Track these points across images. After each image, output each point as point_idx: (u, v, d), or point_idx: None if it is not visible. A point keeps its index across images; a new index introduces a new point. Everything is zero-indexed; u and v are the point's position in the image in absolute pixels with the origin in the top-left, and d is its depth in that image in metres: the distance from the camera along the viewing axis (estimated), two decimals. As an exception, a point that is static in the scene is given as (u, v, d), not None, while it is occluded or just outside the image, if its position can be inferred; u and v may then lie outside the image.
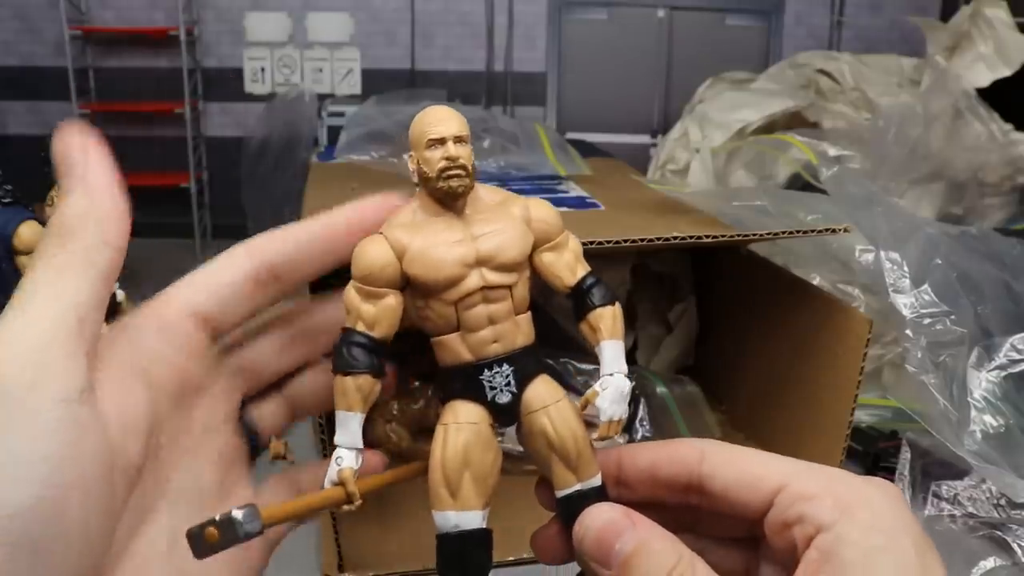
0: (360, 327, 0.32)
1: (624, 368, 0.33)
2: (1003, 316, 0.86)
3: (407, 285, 0.32)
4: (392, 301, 0.32)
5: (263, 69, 4.03)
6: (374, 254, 0.32)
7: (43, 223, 1.12)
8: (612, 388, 0.33)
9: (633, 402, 1.15)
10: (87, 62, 3.92)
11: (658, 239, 0.77)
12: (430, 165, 0.32)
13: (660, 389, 1.17)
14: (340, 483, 0.31)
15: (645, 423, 1.18)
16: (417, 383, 1.07)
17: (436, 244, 0.32)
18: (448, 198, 0.32)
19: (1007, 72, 1.68)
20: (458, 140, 0.32)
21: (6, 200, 1.09)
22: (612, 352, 0.33)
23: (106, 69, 3.96)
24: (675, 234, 0.78)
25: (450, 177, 0.32)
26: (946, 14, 3.38)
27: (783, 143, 1.64)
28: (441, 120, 0.32)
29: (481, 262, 0.32)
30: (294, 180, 2.77)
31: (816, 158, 1.48)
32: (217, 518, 0.26)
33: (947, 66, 1.71)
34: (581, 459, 0.32)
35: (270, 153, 3.23)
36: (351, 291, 0.32)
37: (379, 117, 1.59)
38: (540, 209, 0.34)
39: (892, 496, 0.28)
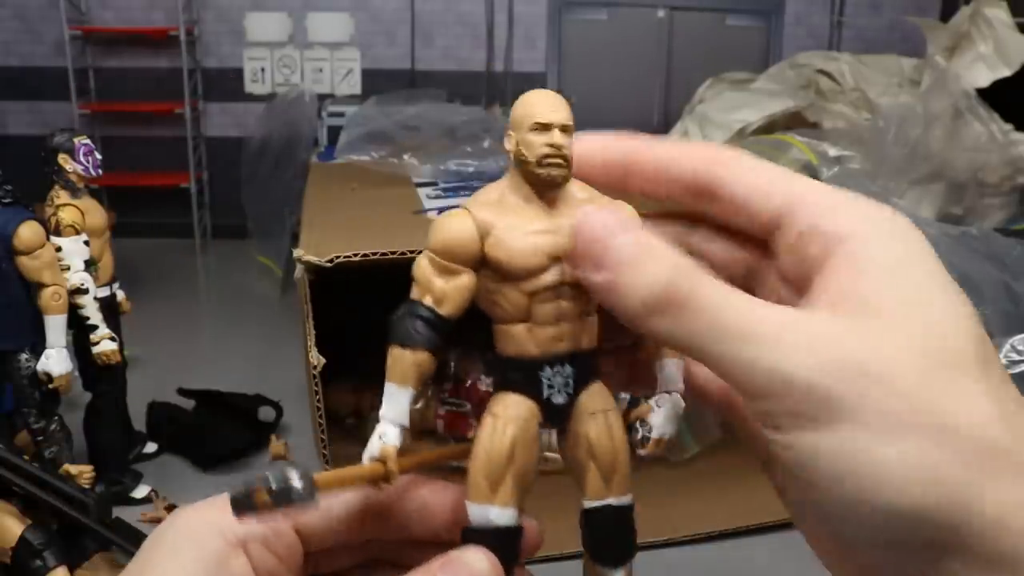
0: (428, 300, 0.30)
1: (681, 387, 0.32)
2: (1003, 317, 0.86)
3: (483, 267, 0.31)
4: (466, 280, 0.30)
5: (263, 69, 4.03)
6: (458, 228, 0.30)
7: (43, 223, 1.12)
8: (669, 406, 0.32)
9: (633, 402, 1.15)
10: (87, 62, 3.91)
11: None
12: (531, 149, 0.30)
13: (660, 389, 1.17)
14: (381, 460, 0.29)
15: (645, 422, 1.17)
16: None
17: (523, 231, 0.30)
18: (544, 186, 0.31)
19: (1007, 72, 1.68)
20: (564, 129, 0.31)
21: (6, 200, 1.08)
22: (673, 369, 0.32)
23: (106, 69, 3.96)
24: (675, 234, 0.78)
25: (551, 165, 0.30)
26: (946, 14, 3.38)
27: (783, 143, 1.64)
28: (550, 106, 0.31)
29: (563, 257, 0.31)
30: (294, 180, 2.76)
31: (816, 158, 1.48)
32: (272, 484, 0.25)
33: (947, 66, 1.71)
34: (617, 474, 0.31)
35: (270, 153, 3.23)
36: (424, 262, 0.31)
37: (379, 117, 1.59)
38: (624, 211, 0.32)
39: (908, 221, 0.27)
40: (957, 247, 0.91)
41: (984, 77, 1.67)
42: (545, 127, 0.30)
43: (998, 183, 1.64)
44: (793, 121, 1.93)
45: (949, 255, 0.90)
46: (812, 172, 1.49)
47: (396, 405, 0.30)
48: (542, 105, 0.31)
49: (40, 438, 1.06)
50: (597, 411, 0.32)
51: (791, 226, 0.28)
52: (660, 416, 0.32)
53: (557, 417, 0.32)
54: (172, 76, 3.82)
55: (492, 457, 0.30)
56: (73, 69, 3.68)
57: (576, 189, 0.32)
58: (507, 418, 0.31)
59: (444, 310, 0.30)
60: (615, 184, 0.32)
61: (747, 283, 0.31)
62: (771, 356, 0.24)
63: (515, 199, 0.31)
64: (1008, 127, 1.61)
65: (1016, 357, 0.83)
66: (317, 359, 0.69)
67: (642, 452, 0.32)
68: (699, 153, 0.31)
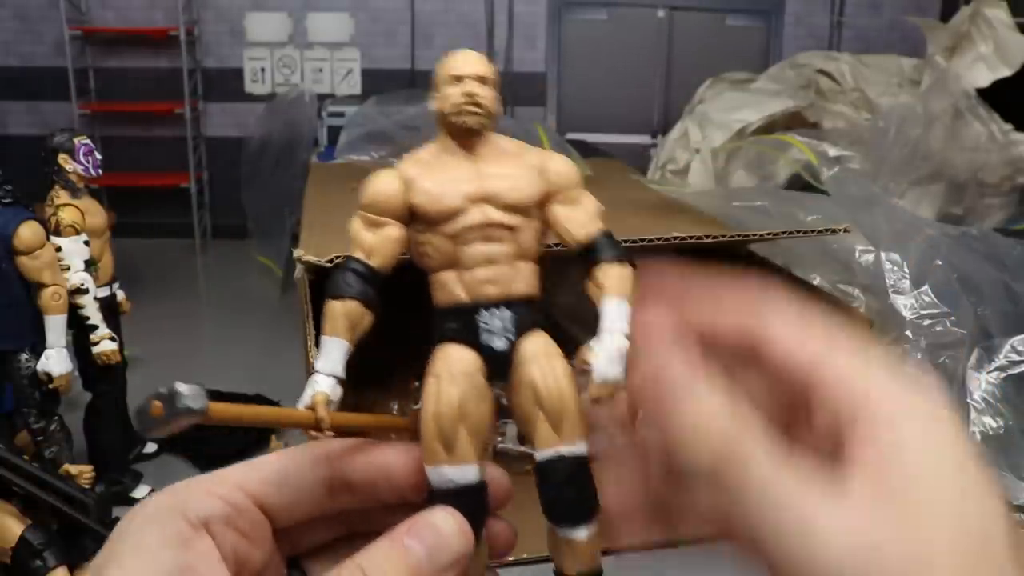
0: (358, 254, 0.31)
1: (625, 328, 0.31)
2: (1003, 317, 0.86)
3: (412, 219, 0.32)
4: (393, 232, 0.32)
5: (263, 69, 4.03)
6: (382, 183, 0.32)
7: (43, 223, 1.12)
8: (607, 345, 0.31)
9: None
10: (87, 62, 3.92)
11: (658, 239, 0.77)
12: (447, 101, 0.32)
13: (660, 389, 1.17)
14: (312, 407, 0.30)
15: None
16: (417, 383, 1.08)
17: (444, 178, 0.32)
18: (462, 135, 0.32)
19: (1007, 72, 1.68)
20: (479, 79, 0.32)
21: (6, 200, 1.09)
22: (613, 309, 0.31)
23: (106, 69, 3.96)
24: (675, 234, 0.78)
25: (465, 112, 0.32)
26: (946, 14, 3.38)
27: (783, 143, 1.64)
28: (464, 60, 0.32)
29: (485, 199, 0.32)
30: (294, 180, 2.77)
31: (816, 158, 1.48)
32: (163, 390, 0.26)
33: (947, 66, 1.71)
34: (566, 418, 0.31)
35: (270, 153, 3.23)
36: (355, 220, 0.32)
37: (379, 117, 1.59)
38: (558, 162, 0.33)
39: (942, 402, 0.28)
40: (957, 247, 0.91)
41: (984, 77, 1.67)
42: (459, 79, 0.32)
43: (998, 183, 1.64)
44: (793, 121, 1.93)
45: (949, 255, 0.90)
46: (812, 172, 1.49)
47: (329, 357, 0.30)
48: (457, 60, 0.32)
49: (40, 438, 1.06)
50: (540, 356, 0.31)
51: (827, 399, 0.29)
52: (600, 357, 0.31)
53: (500, 365, 0.31)
54: (172, 76, 3.83)
55: (441, 419, 0.30)
56: (73, 69, 3.68)
57: (505, 142, 0.33)
58: (450, 376, 0.31)
59: (374, 262, 0.31)
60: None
61: (787, 424, 0.32)
62: (810, 544, 0.25)
63: (442, 155, 0.33)
64: (1008, 127, 1.61)
65: (1016, 358, 0.83)
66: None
67: (586, 397, 0.31)
68: (738, 318, 0.31)
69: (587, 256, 0.33)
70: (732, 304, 0.31)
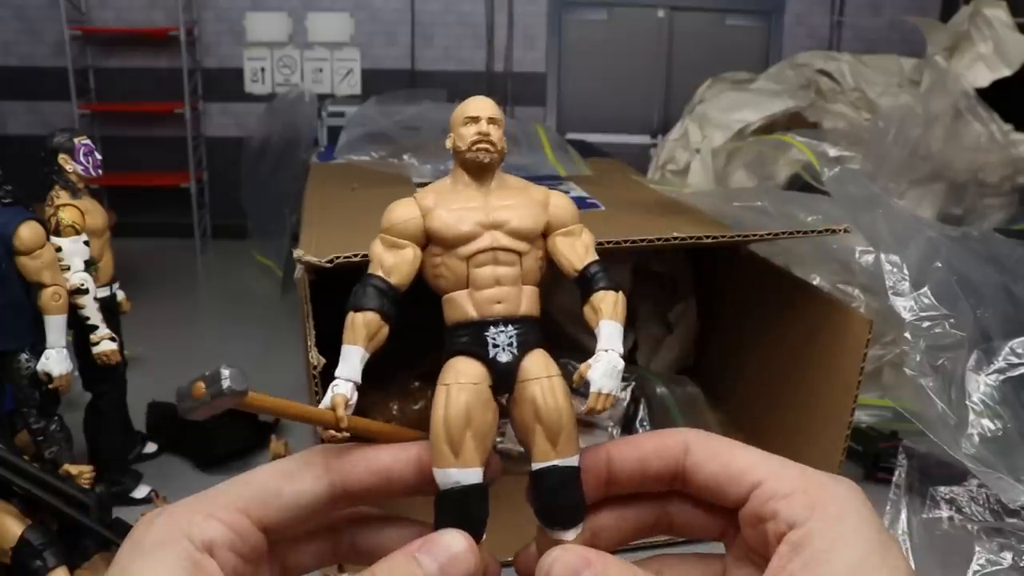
0: (378, 271, 0.35)
1: (619, 348, 0.35)
2: (1002, 319, 0.86)
3: (427, 244, 0.35)
4: (410, 253, 0.35)
5: (263, 69, 4.02)
6: (401, 209, 0.36)
7: (43, 223, 1.12)
8: (604, 362, 0.34)
9: (633, 403, 1.15)
10: (87, 62, 3.91)
11: (658, 239, 0.77)
12: (463, 139, 0.36)
13: (660, 389, 1.17)
14: (332, 408, 0.33)
15: (645, 423, 1.17)
16: (417, 383, 1.08)
17: (458, 206, 0.35)
18: (476, 169, 0.36)
19: (1007, 72, 1.68)
20: (491, 121, 0.36)
21: (6, 200, 1.08)
22: (609, 331, 0.35)
23: (106, 69, 3.95)
24: (675, 234, 0.78)
25: (479, 149, 0.35)
26: (946, 14, 3.38)
27: (783, 144, 1.64)
28: (479, 104, 0.37)
29: (495, 226, 0.35)
30: (294, 180, 2.76)
31: (816, 159, 1.48)
32: (207, 372, 0.28)
33: (947, 66, 1.71)
34: (563, 434, 0.33)
35: (270, 153, 3.23)
36: (376, 242, 0.36)
37: (379, 117, 1.59)
38: (559, 198, 0.38)
39: (856, 493, 0.31)
40: (957, 249, 0.91)
41: (984, 77, 1.67)
42: (475, 119, 0.36)
43: (998, 183, 1.64)
44: (793, 121, 1.93)
45: (949, 257, 0.90)
46: (812, 172, 1.49)
47: (348, 363, 0.34)
48: (472, 103, 0.37)
49: (40, 438, 1.06)
50: (541, 376, 0.34)
51: (753, 511, 0.32)
52: (597, 371, 0.34)
53: (504, 377, 0.34)
54: (172, 76, 3.82)
55: (450, 423, 0.33)
56: (73, 69, 3.68)
57: (512, 180, 0.37)
58: (459, 386, 0.33)
59: (393, 279, 0.35)
60: (599, 494, 0.35)
61: (722, 543, 0.36)
62: None
63: (456, 187, 0.37)
64: (1008, 127, 1.61)
65: (1015, 360, 0.83)
66: (317, 359, 0.69)
67: (582, 409, 0.34)
68: (668, 449, 0.34)
69: (584, 284, 0.36)
70: (652, 441, 0.35)
